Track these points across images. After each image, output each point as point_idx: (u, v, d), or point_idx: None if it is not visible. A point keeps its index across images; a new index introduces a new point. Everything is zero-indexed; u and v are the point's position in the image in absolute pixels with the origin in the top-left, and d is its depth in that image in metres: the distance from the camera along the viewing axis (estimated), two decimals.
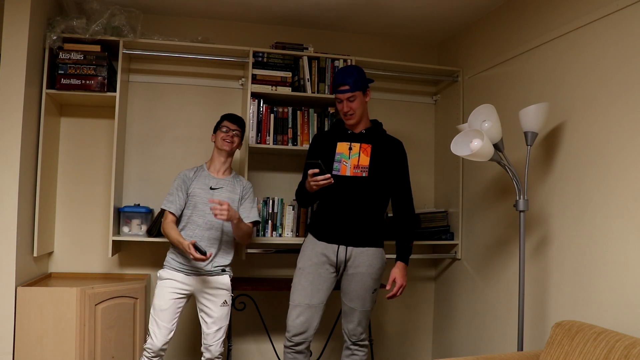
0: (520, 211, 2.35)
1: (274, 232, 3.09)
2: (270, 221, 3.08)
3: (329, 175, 2.34)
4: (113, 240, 2.83)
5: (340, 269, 2.51)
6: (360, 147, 2.50)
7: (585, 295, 2.21)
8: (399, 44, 3.62)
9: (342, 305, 2.55)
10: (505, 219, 2.83)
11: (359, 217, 2.49)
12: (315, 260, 2.49)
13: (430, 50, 3.69)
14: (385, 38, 3.59)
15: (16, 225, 2.46)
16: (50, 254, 3.06)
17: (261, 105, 3.06)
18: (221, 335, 2.57)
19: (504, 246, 2.83)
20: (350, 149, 2.51)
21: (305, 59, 3.10)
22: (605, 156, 2.15)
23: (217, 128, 2.65)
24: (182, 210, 2.57)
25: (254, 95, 3.04)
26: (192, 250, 2.32)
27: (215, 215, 2.36)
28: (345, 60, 3.14)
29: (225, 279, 2.59)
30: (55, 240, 3.08)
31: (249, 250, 3.09)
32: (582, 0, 2.32)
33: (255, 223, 2.67)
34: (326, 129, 3.12)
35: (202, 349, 2.58)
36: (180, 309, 2.54)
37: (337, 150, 2.52)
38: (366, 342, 2.59)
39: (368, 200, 2.50)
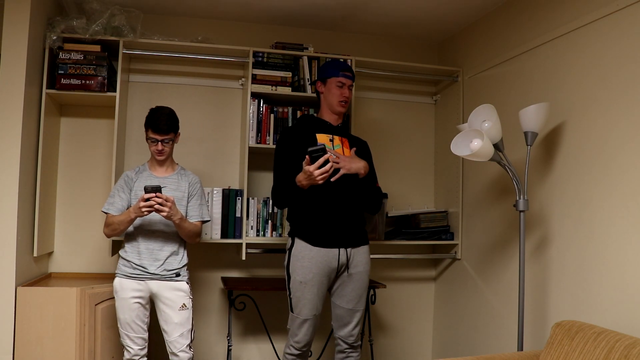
0: (520, 211, 2.35)
1: (274, 232, 3.08)
2: (270, 221, 3.08)
3: (331, 163, 2.17)
4: (113, 240, 2.82)
5: (339, 272, 2.41)
6: (341, 140, 2.43)
7: (585, 295, 2.21)
8: (399, 44, 3.62)
9: (337, 309, 2.43)
10: (505, 219, 2.83)
11: (351, 215, 2.41)
12: (315, 270, 2.32)
13: (430, 50, 3.69)
14: (385, 38, 3.59)
15: (16, 225, 2.46)
16: (50, 254, 3.06)
17: (261, 105, 3.06)
18: (186, 340, 2.41)
19: (504, 246, 2.83)
20: (331, 140, 2.41)
21: (305, 59, 3.10)
22: (605, 156, 2.15)
23: (146, 127, 2.44)
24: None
25: (254, 95, 3.04)
26: (142, 203, 2.22)
27: (154, 207, 2.23)
28: (345, 60, 3.13)
29: (182, 286, 2.43)
30: (55, 240, 3.08)
31: (249, 250, 3.09)
32: (582, 0, 2.32)
33: (205, 222, 2.54)
34: None
35: (170, 357, 2.42)
36: (147, 315, 2.44)
37: (318, 142, 2.36)
38: (360, 342, 2.50)
39: (355, 196, 2.42)
